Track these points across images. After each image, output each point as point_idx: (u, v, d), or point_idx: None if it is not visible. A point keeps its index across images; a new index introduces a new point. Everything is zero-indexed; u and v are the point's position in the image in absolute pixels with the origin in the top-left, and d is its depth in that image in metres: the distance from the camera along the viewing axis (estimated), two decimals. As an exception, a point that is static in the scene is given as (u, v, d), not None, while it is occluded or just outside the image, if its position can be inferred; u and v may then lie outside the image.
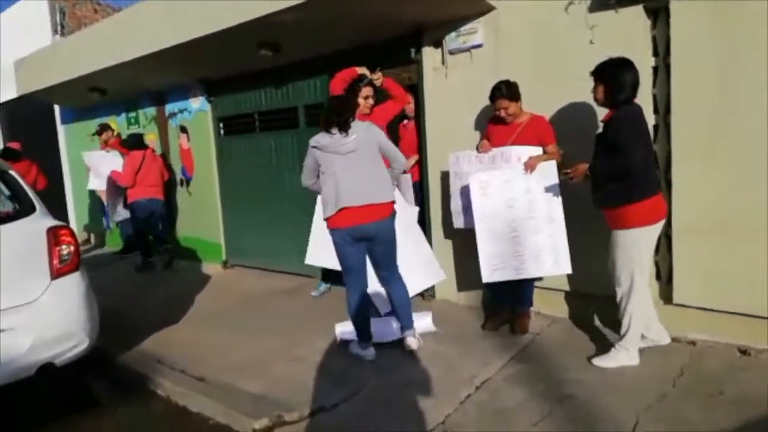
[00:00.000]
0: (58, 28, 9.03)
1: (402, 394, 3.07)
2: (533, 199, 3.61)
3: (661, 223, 3.08)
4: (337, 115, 3.38)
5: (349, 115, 3.42)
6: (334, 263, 3.72)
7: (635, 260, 3.05)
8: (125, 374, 3.81)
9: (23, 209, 3.42)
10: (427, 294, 4.63)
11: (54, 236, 3.34)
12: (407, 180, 4.41)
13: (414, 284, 3.91)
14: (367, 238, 3.41)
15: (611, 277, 3.18)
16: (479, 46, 4.18)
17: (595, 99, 3.14)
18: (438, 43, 4.42)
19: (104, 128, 7.59)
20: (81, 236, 9.53)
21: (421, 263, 4.15)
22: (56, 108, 9.44)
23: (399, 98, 4.33)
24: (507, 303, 3.95)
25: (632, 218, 3.00)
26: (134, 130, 7.84)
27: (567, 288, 4.01)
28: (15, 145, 7.70)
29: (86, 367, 3.68)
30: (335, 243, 3.47)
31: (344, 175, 3.35)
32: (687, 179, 3.36)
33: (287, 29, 4.48)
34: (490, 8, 4.04)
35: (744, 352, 3.28)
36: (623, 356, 3.17)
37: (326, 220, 3.44)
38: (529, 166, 3.59)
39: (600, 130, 3.19)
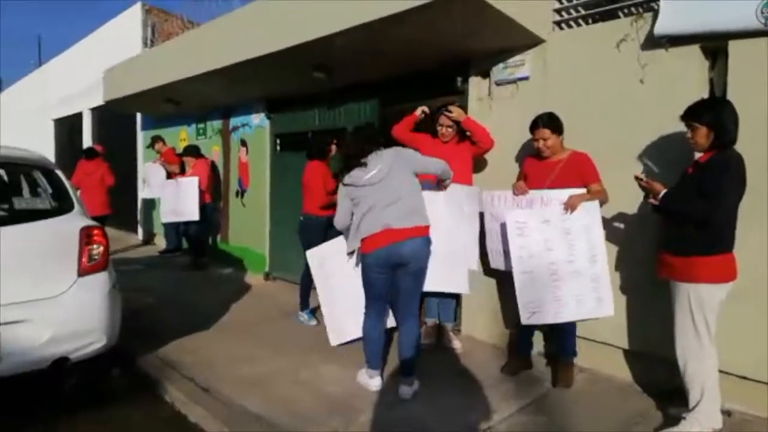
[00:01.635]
0: (148, 41, 9.68)
1: (395, 433, 2.93)
2: (574, 242, 3.39)
3: (731, 285, 2.73)
4: (347, 158, 3.39)
5: (366, 149, 3.34)
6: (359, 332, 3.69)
7: (698, 319, 2.72)
8: (139, 376, 3.89)
9: (62, 207, 3.59)
10: (454, 328, 4.45)
11: (87, 235, 3.47)
12: (476, 193, 3.95)
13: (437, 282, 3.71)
14: (400, 263, 3.26)
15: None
16: (526, 78, 4.05)
17: (694, 143, 2.80)
18: (485, 74, 4.32)
19: (155, 140, 8.13)
20: (144, 236, 10.05)
21: (453, 267, 3.82)
22: (138, 115, 10.07)
23: (481, 142, 4.01)
24: (530, 349, 3.77)
25: (704, 272, 2.69)
26: (202, 140, 8.23)
27: (620, 344, 3.65)
28: (98, 147, 8.43)
29: (105, 365, 3.79)
30: (364, 268, 3.38)
31: (380, 204, 3.25)
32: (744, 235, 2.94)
33: (338, 54, 4.54)
34: (538, 41, 3.91)
35: (786, 431, 2.89)
36: (695, 429, 2.78)
37: (360, 245, 3.35)
38: (570, 205, 3.37)
39: (690, 169, 2.85)
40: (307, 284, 4.91)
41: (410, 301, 3.37)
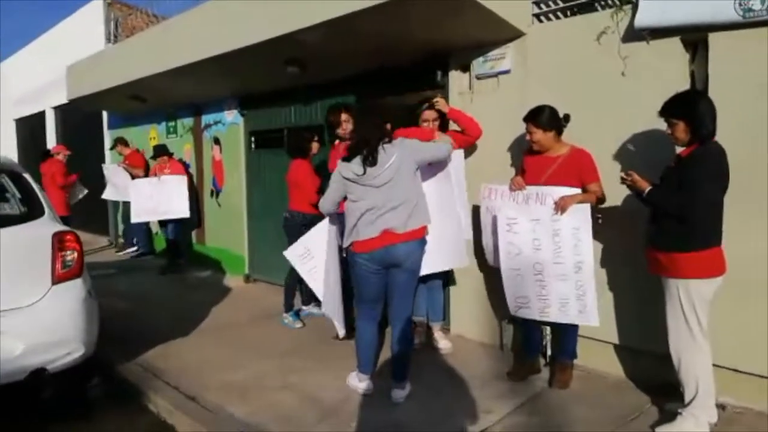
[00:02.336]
0: (111, 36, 9.38)
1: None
2: (561, 244, 3.33)
3: (720, 279, 2.73)
4: (366, 144, 3.11)
5: (377, 143, 3.12)
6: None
7: (688, 314, 2.72)
8: (122, 385, 3.76)
9: (32, 213, 3.44)
10: (443, 327, 4.42)
11: (59, 241, 3.34)
12: (460, 156, 3.83)
13: (435, 263, 3.64)
14: (395, 264, 3.18)
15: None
16: (507, 72, 4.02)
17: (674, 138, 2.80)
18: (465, 68, 4.28)
19: (117, 142, 8.17)
20: (114, 239, 9.80)
21: (450, 243, 3.72)
22: (104, 113, 9.76)
23: (469, 129, 3.92)
24: (537, 352, 3.70)
25: (688, 267, 2.68)
26: (173, 139, 8.03)
27: (611, 340, 3.64)
28: (56, 148, 8.32)
29: (85, 375, 3.66)
30: (356, 268, 3.26)
31: (379, 206, 3.11)
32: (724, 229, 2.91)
33: (313, 48, 4.45)
34: (519, 34, 3.88)
35: (777, 422, 2.94)
36: (690, 424, 2.77)
37: (351, 245, 3.23)
38: (560, 207, 3.29)
39: (672, 164, 2.86)
40: (291, 285, 4.83)
41: (403, 300, 3.30)
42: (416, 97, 4.30)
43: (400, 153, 3.13)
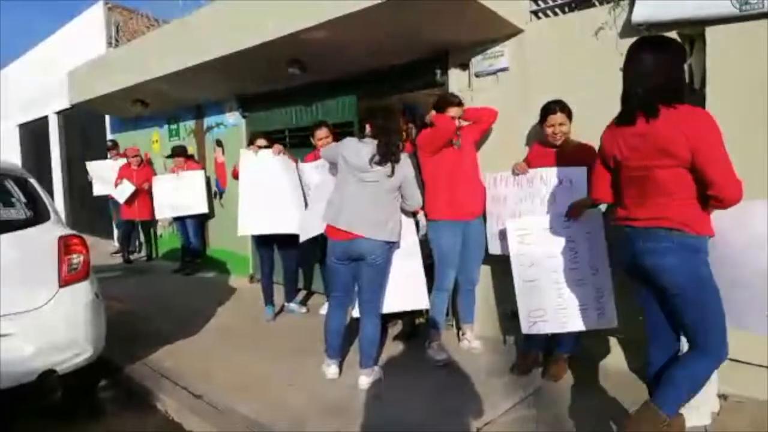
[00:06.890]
0: (113, 41, 9.42)
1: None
2: (576, 248, 3.28)
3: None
4: (386, 146, 3.29)
5: (395, 149, 3.33)
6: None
7: None
8: (129, 386, 3.81)
9: (38, 217, 3.48)
10: (446, 323, 4.43)
11: (65, 245, 3.38)
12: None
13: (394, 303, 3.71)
14: (358, 257, 3.36)
15: None
16: (505, 69, 4.05)
17: None
18: (464, 66, 4.31)
19: (110, 147, 8.78)
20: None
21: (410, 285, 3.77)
22: (107, 117, 9.80)
23: (484, 118, 3.95)
24: (540, 348, 3.69)
25: None
26: (175, 141, 8.05)
27: (616, 333, 3.64)
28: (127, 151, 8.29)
29: (93, 376, 3.71)
30: (328, 253, 3.47)
31: (354, 200, 3.33)
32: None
33: (313, 48, 4.48)
34: (517, 31, 3.91)
35: (778, 411, 2.96)
36: (692, 415, 2.74)
37: (326, 225, 3.47)
38: (572, 213, 3.25)
39: None
40: (289, 277, 5.28)
41: (369, 294, 3.45)
42: (417, 96, 4.33)
43: (399, 166, 3.32)
